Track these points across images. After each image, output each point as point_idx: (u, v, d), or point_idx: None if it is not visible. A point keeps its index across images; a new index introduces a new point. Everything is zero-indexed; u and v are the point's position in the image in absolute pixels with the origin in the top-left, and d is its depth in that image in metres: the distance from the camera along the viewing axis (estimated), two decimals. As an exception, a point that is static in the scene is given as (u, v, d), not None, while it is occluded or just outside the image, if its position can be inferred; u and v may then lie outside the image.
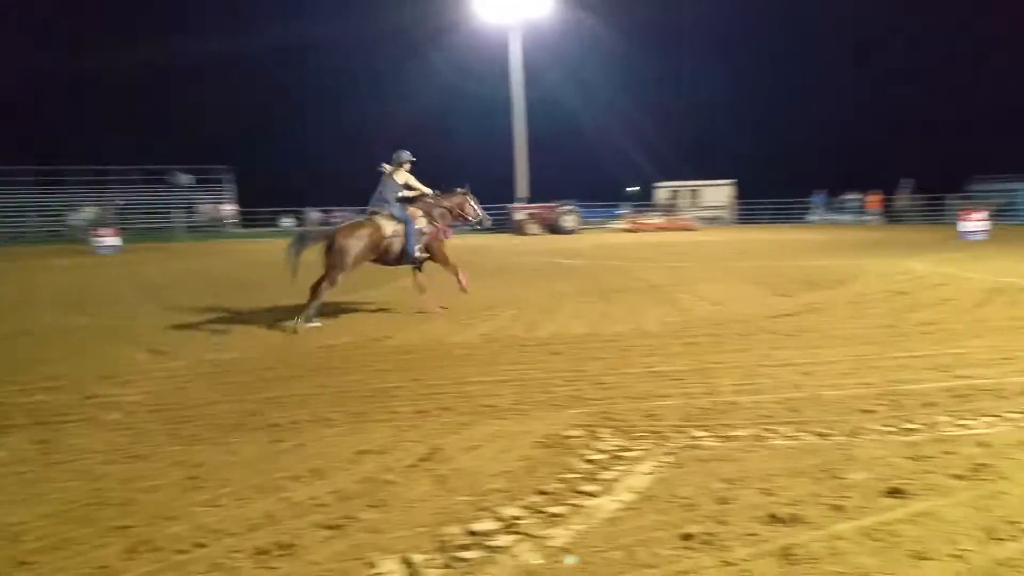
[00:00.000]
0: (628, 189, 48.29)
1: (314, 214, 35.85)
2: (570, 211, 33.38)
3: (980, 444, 3.73)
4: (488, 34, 38.67)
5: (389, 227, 8.22)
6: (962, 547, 2.66)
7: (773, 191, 39.52)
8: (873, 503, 3.05)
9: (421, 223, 8.50)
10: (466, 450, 3.89)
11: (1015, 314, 7.60)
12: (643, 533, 2.82)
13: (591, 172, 58.25)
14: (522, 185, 38.01)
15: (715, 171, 41.10)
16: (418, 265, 8.72)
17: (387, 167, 8.56)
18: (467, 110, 49.98)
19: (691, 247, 20.48)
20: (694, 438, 3.93)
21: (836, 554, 2.62)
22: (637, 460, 3.62)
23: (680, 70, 63.97)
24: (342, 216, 25.30)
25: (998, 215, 30.93)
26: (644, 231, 32.24)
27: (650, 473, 3.45)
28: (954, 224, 22.06)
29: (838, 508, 3.00)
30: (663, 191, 40.17)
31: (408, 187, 8.59)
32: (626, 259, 16.32)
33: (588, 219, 37.08)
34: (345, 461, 3.73)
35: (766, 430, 4.05)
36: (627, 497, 3.18)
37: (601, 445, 3.85)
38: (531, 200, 35.45)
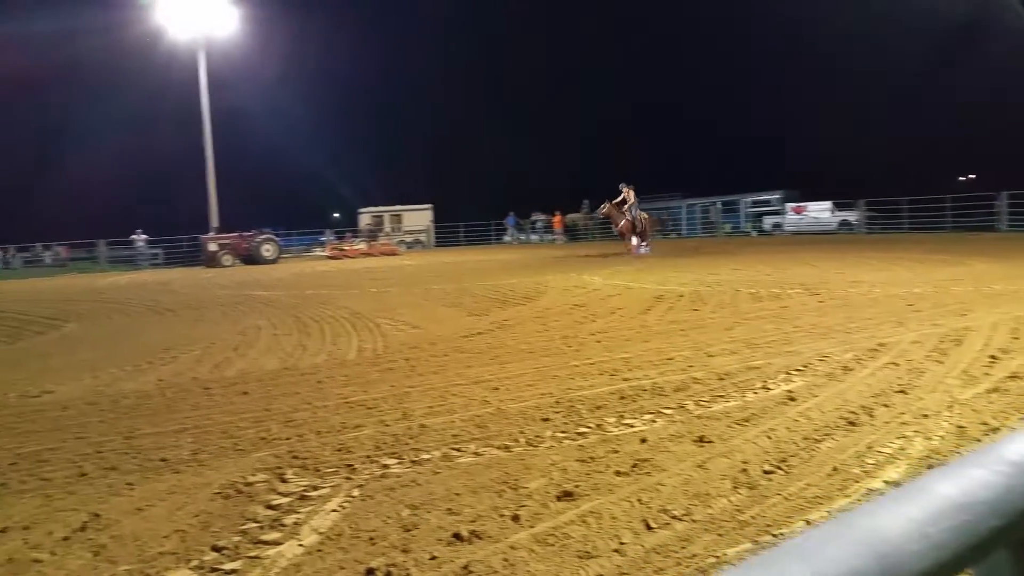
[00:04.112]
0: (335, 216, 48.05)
1: None
2: (268, 239, 31.96)
3: (641, 441, 4.15)
4: (177, 57, 35.89)
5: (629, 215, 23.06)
6: (622, 540, 2.92)
7: (469, 214, 41.92)
8: (547, 508, 3.25)
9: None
10: (132, 513, 3.45)
11: (673, 318, 8.73)
12: (325, 576, 2.70)
13: (293, 199, 56.88)
14: (214, 214, 35.72)
15: (414, 196, 42.51)
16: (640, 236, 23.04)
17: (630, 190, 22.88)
18: (160, 137, 46.12)
19: (393, 272, 20.71)
20: (384, 467, 3.89)
21: (511, 564, 2.73)
22: (325, 498, 3.49)
23: (377, 96, 65.36)
24: None
25: (662, 230, 35.74)
26: (347, 257, 32.04)
27: (337, 510, 3.33)
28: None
29: (516, 518, 3.14)
30: (366, 216, 40.41)
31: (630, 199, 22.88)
32: (327, 287, 15.97)
33: (289, 247, 36.02)
34: (-27, 547, 3.10)
35: (454, 449, 4.14)
36: (311, 540, 3.03)
37: (286, 487, 3.64)
38: (226, 230, 33.34)
